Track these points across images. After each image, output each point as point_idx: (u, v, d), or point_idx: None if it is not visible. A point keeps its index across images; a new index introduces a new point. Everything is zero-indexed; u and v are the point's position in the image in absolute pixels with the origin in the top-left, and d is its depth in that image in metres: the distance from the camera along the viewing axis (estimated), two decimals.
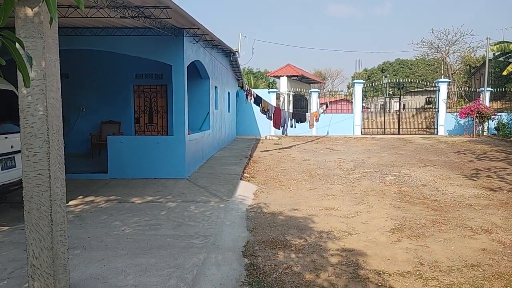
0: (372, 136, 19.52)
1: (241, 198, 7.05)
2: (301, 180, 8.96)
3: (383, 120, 21.06)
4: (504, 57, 26.84)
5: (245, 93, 12.75)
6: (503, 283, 3.81)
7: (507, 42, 24.97)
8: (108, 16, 6.44)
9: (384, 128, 20.76)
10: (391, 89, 25.05)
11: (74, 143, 11.13)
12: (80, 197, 6.90)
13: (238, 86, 15.69)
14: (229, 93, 15.81)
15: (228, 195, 7.09)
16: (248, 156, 12.15)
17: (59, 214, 3.22)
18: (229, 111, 16.06)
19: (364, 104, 24.09)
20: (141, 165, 8.46)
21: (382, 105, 24.18)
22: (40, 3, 2.87)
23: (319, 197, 7.38)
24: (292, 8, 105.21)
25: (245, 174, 9.38)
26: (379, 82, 27.22)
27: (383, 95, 26.13)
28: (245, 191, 7.66)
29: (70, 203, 6.39)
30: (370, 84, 27.86)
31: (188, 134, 8.82)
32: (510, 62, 25.42)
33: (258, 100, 13.03)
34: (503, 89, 22.52)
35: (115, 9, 5.86)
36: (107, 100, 11.70)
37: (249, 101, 12.95)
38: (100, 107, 11.67)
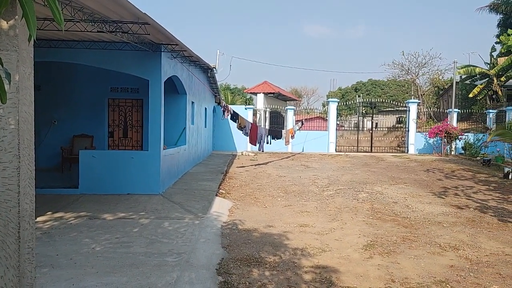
0: (346, 153, 19.91)
1: (216, 215, 7.00)
2: (276, 197, 9.00)
3: (357, 138, 21.56)
4: (470, 80, 28.27)
5: (222, 109, 12.80)
6: None
7: (473, 66, 26.37)
8: (85, 30, 6.39)
9: (357, 146, 21.23)
10: (364, 108, 25.77)
11: (44, 157, 10.77)
12: (49, 213, 6.66)
13: (215, 102, 15.74)
14: (206, 108, 15.82)
15: (203, 212, 7.03)
16: (224, 172, 12.11)
17: (27, 231, 3.10)
18: (205, 126, 16.04)
19: (338, 122, 24.61)
20: (114, 180, 8.28)
21: (356, 123, 24.79)
22: (16, 16, 2.84)
23: (294, 214, 7.43)
24: (269, 26, 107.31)
25: (220, 190, 9.34)
26: (352, 101, 27.96)
27: (356, 114, 26.82)
28: (221, 208, 7.61)
29: (38, 219, 6.16)
30: (344, 103, 28.60)
31: (164, 149, 8.74)
32: (475, 85, 26.79)
33: (235, 116, 13.10)
34: (470, 110, 23.62)
35: (92, 24, 5.83)
36: (80, 113, 11.45)
37: (226, 117, 13.00)
38: (73, 120, 11.41)
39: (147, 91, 8.34)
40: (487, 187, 10.38)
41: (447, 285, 4.25)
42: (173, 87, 10.79)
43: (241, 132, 13.58)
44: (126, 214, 6.74)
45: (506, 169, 11.98)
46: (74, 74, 11.31)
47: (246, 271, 4.52)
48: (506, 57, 23.01)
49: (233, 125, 14.75)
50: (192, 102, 12.34)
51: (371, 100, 24.05)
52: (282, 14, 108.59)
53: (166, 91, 9.09)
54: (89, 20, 5.74)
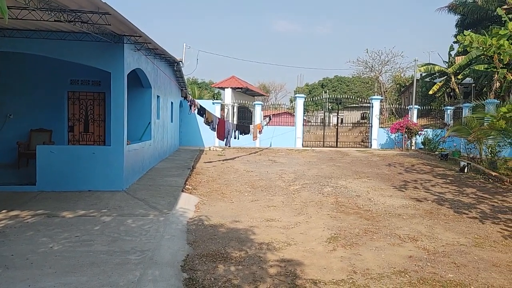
0: (313, 148, 20.23)
1: (182, 211, 6.91)
2: (243, 192, 9.00)
3: (323, 134, 21.95)
4: (430, 77, 29.51)
5: (189, 103, 12.62)
6: (427, 287, 4.12)
7: (433, 64, 27.53)
8: (41, 19, 6.05)
9: (323, 141, 21.62)
10: (330, 104, 26.29)
11: None
12: (4, 211, 6.32)
13: (182, 96, 15.45)
14: (172, 103, 15.52)
15: (169, 208, 6.91)
16: (191, 168, 11.97)
17: None
18: (172, 121, 15.74)
19: (305, 118, 24.98)
20: (74, 176, 7.97)
21: (322, 119, 25.25)
22: None
23: (260, 209, 7.47)
24: (237, 21, 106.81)
25: (187, 186, 9.22)
26: (319, 97, 28.45)
27: (323, 110, 27.31)
28: (187, 204, 7.52)
29: None
30: (311, 99, 29.07)
31: (127, 144, 8.49)
32: (435, 83, 27.99)
33: (201, 111, 12.95)
34: (429, 107, 24.65)
35: (49, 12, 5.53)
36: (37, 106, 10.91)
37: (192, 112, 12.82)
38: (30, 114, 10.85)
39: (110, 84, 8.06)
40: (444, 180, 10.89)
41: (406, 275, 4.42)
42: (137, 81, 10.50)
43: (209, 127, 13.45)
44: (87, 211, 6.51)
45: (462, 163, 12.61)
46: (31, 65, 10.74)
47: (211, 267, 4.49)
48: (463, 56, 24.20)
49: (201, 120, 14.57)
50: (158, 96, 12.07)
51: (336, 96, 24.52)
52: (250, 9, 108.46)
53: (129, 84, 8.83)
54: (45, 9, 5.45)
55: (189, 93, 19.28)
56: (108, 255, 4.62)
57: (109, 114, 9.94)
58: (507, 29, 7.95)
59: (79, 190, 7.88)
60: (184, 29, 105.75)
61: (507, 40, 8.12)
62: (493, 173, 11.19)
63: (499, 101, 18.27)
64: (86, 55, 7.98)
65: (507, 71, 20.22)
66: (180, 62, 13.54)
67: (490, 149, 12.87)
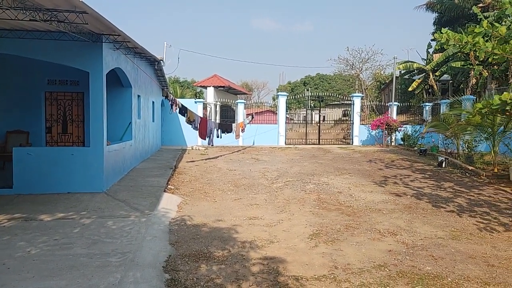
0: (295, 146, 20.36)
1: (164, 211, 6.86)
2: (226, 191, 9.00)
3: (305, 131, 22.12)
4: (408, 75, 30.07)
5: (170, 103, 12.52)
6: (406, 281, 4.22)
7: (411, 61, 28.06)
8: (16, 18, 5.89)
9: (306, 139, 21.79)
10: (312, 101, 26.48)
11: None
12: None
13: (163, 96, 15.30)
14: (153, 102, 15.36)
15: (150, 209, 6.85)
16: (173, 167, 11.88)
17: None
18: (153, 121, 15.58)
19: (288, 116, 25.09)
20: (53, 178, 7.80)
21: (305, 116, 25.42)
22: None
23: (243, 207, 7.49)
24: (218, 19, 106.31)
25: (169, 186, 9.16)
26: (301, 95, 28.59)
27: (305, 107, 27.49)
28: (169, 204, 7.47)
29: None
30: (293, 97, 29.17)
31: (107, 145, 8.37)
32: (414, 80, 28.54)
33: (183, 110, 12.86)
34: (408, 103, 25.14)
35: (24, 11, 5.40)
36: (13, 107, 10.61)
37: (174, 111, 12.72)
38: (6, 115, 10.54)
39: (88, 83, 7.92)
40: (423, 175, 11.14)
41: (386, 269, 4.52)
42: (117, 80, 10.34)
43: (191, 126, 13.38)
44: (66, 214, 6.39)
45: (440, 158, 12.92)
46: (6, 65, 10.44)
47: (194, 267, 4.49)
48: (441, 54, 24.75)
49: (183, 119, 14.46)
50: (138, 96, 11.92)
51: (318, 94, 24.72)
52: (231, 7, 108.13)
53: (109, 84, 8.71)
54: (20, 8, 5.31)
55: (171, 92, 19.11)
56: (88, 258, 4.56)
57: (88, 115, 9.77)
58: (482, 27, 8.19)
59: (58, 193, 7.72)
60: (165, 28, 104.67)
61: (482, 37, 8.36)
62: (470, 168, 11.51)
63: (475, 97, 18.77)
64: (64, 55, 7.81)
65: (482, 68, 20.78)
66: (161, 61, 13.41)
67: (466, 144, 13.22)
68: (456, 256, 4.95)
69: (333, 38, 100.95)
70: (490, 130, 11.62)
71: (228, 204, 7.76)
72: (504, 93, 6.86)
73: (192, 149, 18.54)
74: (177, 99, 13.39)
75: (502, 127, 11.52)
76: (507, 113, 8.13)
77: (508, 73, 19.01)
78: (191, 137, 19.41)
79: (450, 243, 5.43)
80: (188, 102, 18.69)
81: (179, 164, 13.03)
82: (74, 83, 11.03)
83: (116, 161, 9.22)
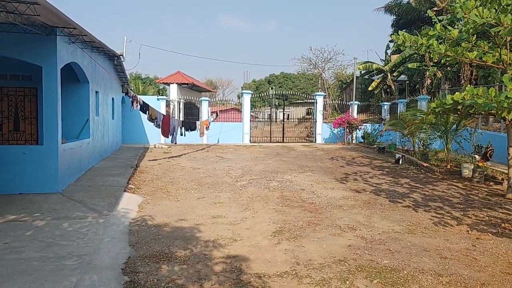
0: (260, 144, 20.46)
1: (124, 212, 6.64)
2: (189, 189, 8.87)
3: (270, 129, 22.27)
4: (368, 75, 31.06)
5: (131, 99, 12.15)
6: (365, 274, 4.34)
7: (371, 62, 28.99)
8: None
9: (270, 137, 21.95)
10: (276, 100, 26.72)
11: None
12: None
13: (123, 92, 14.81)
14: (113, 99, 14.84)
15: (109, 209, 6.61)
16: (134, 166, 11.55)
17: None
18: (113, 118, 15.06)
19: (252, 114, 25.16)
20: (3, 179, 7.34)
21: (269, 115, 25.60)
22: None
23: (207, 206, 7.41)
24: (183, 16, 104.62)
25: (129, 186, 8.89)
26: (266, 93, 28.75)
27: (270, 106, 27.70)
28: (129, 204, 7.25)
29: None
30: (258, 95, 29.26)
31: (62, 143, 7.99)
32: (373, 80, 29.50)
33: (145, 107, 12.53)
34: (368, 102, 25.98)
35: None
36: None
37: (135, 108, 12.36)
38: None
39: (42, 78, 7.51)
40: (381, 172, 11.55)
41: (345, 263, 4.63)
42: (73, 75, 9.89)
43: (153, 124, 13.07)
44: (18, 216, 6.03)
45: (397, 156, 13.46)
46: None
47: (154, 268, 4.38)
48: (398, 55, 25.76)
49: (145, 117, 14.08)
50: (96, 92, 11.47)
51: (282, 93, 24.97)
52: (196, 4, 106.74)
53: (64, 79, 8.31)
54: None
55: (131, 88, 18.56)
56: (41, 262, 4.33)
57: (41, 111, 9.26)
58: (436, 30, 8.60)
59: (9, 194, 7.28)
60: (126, 22, 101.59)
61: (436, 40, 8.78)
62: (425, 164, 12.07)
63: (430, 97, 19.71)
64: (14, 48, 7.35)
65: (437, 69, 21.85)
66: (121, 56, 12.98)
67: (422, 141, 13.86)
68: (411, 249, 5.16)
69: (297, 37, 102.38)
70: (444, 128, 12.24)
71: (191, 203, 7.65)
72: (456, 93, 7.24)
73: (154, 147, 18.13)
74: (138, 96, 13.01)
75: (455, 126, 12.17)
76: (459, 112, 8.60)
77: (460, 74, 20.10)
78: (153, 135, 18.97)
79: (406, 237, 5.65)
80: (150, 99, 18.22)
81: (141, 163, 12.69)
82: (27, 78, 10.39)
83: (73, 160, 8.83)
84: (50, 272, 4.08)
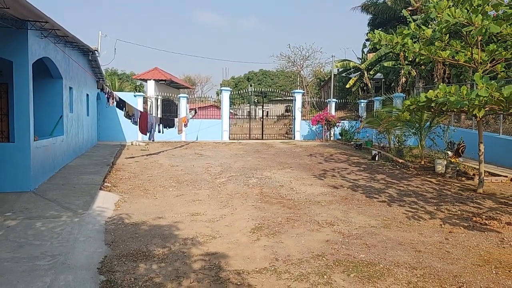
0: (239, 141, 20.42)
1: (99, 210, 6.50)
2: (168, 187, 8.77)
3: (249, 126, 22.26)
4: (346, 73, 31.51)
5: (106, 95, 11.88)
6: (342, 269, 4.41)
7: (348, 60, 29.41)
8: None
9: (249, 134, 21.94)
10: (256, 97, 26.70)
11: None
12: None
13: (98, 88, 14.45)
14: (88, 95, 14.47)
15: (84, 208, 6.45)
16: (111, 164, 11.32)
17: None
18: (88, 114, 14.70)
19: (231, 111, 25.05)
20: None
21: (248, 112, 25.59)
22: None
23: (185, 203, 7.35)
24: (161, 11, 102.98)
25: (105, 184, 8.71)
26: (245, 90, 28.70)
27: (249, 103, 27.68)
28: (105, 202, 7.10)
29: None
30: (237, 92, 29.20)
31: (35, 140, 7.74)
32: (350, 77, 29.94)
33: (121, 104, 12.28)
34: (345, 100, 26.35)
35: None
36: None
37: (110, 105, 12.09)
38: None
39: (12, 74, 7.23)
40: (358, 168, 11.76)
41: (323, 258, 4.69)
42: (46, 71, 9.59)
43: (130, 120, 12.82)
44: None
45: (374, 152, 13.73)
46: None
47: (131, 267, 4.31)
48: (374, 54, 26.23)
49: (121, 113, 13.81)
50: (70, 88, 11.16)
51: (262, 90, 24.99)
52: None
53: (37, 74, 8.04)
54: None
55: (107, 84, 18.12)
56: (13, 263, 4.19)
57: (12, 108, 8.93)
58: (410, 29, 8.80)
59: None
60: (102, 18, 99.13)
61: (411, 39, 8.99)
62: (400, 160, 12.36)
63: (405, 95, 20.17)
64: None
65: (411, 67, 22.37)
66: (96, 51, 12.66)
67: (397, 138, 14.17)
68: (387, 243, 5.28)
69: (276, 35, 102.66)
70: (418, 125, 12.56)
71: (169, 200, 7.57)
72: (430, 91, 7.44)
73: (132, 144, 17.82)
74: (115, 92, 12.73)
75: (428, 123, 12.51)
76: (432, 110, 8.84)
77: (434, 72, 20.66)
78: (131, 132, 18.64)
79: (382, 231, 5.78)
80: (127, 96, 17.87)
81: (117, 161, 12.45)
82: None
83: (46, 157, 8.57)
84: (22, 273, 3.95)
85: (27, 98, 7.30)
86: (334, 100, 23.47)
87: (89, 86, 14.72)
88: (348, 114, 25.15)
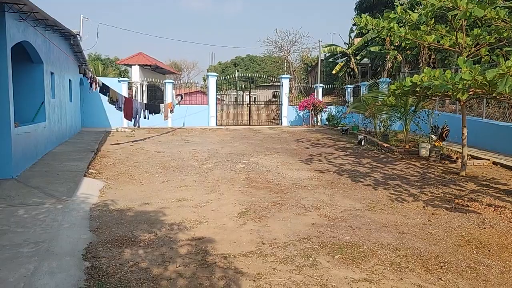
0: (226, 127, 20.35)
1: (84, 197, 6.42)
2: (154, 173, 8.71)
3: (236, 112, 22.16)
4: (333, 58, 31.45)
5: (89, 81, 11.63)
6: (327, 251, 4.47)
7: (335, 45, 29.32)
8: None
9: (237, 120, 21.86)
10: (243, 82, 26.50)
11: None
12: None
13: (80, 73, 14.09)
14: (70, 80, 14.14)
15: (68, 195, 6.37)
16: (95, 150, 11.15)
17: None
18: (71, 100, 14.39)
19: (218, 97, 24.86)
20: None
21: (235, 97, 25.42)
22: None
23: (172, 189, 7.31)
24: None
25: (90, 170, 8.59)
26: (232, 76, 28.44)
27: (236, 88, 27.48)
28: (90, 189, 7.01)
29: None
30: (224, 77, 28.90)
31: (16, 126, 7.55)
32: (337, 63, 29.93)
33: (105, 89, 12.05)
34: (332, 85, 26.38)
35: None
36: None
37: (93, 90, 11.85)
38: None
39: None
40: (344, 152, 11.86)
41: (309, 241, 4.75)
42: (26, 55, 9.30)
43: (114, 106, 12.61)
44: None
45: (360, 137, 13.84)
46: None
47: (117, 252, 4.28)
48: (360, 38, 26.21)
49: (106, 99, 13.55)
50: (52, 73, 10.87)
51: (249, 75, 24.81)
52: None
53: (16, 59, 7.79)
54: None
55: (90, 69, 17.71)
56: None
57: None
58: (396, 13, 8.79)
59: None
60: (84, 2, 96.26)
61: (397, 23, 8.98)
62: (385, 145, 12.50)
63: (391, 80, 20.29)
64: None
65: (397, 52, 22.46)
66: (77, 35, 12.32)
67: (383, 123, 14.31)
68: (371, 225, 5.37)
69: (263, 19, 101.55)
70: (403, 110, 12.67)
71: (155, 186, 7.52)
72: (415, 75, 7.48)
73: (117, 131, 17.57)
74: (97, 77, 12.46)
75: (413, 108, 12.64)
76: (417, 94, 8.92)
77: (419, 57, 20.79)
78: (115, 118, 18.36)
79: (367, 214, 5.87)
80: (111, 81, 17.51)
81: (102, 147, 12.28)
82: None
83: (28, 144, 8.38)
84: (5, 260, 3.89)
85: (6, 84, 7.08)
86: (321, 85, 23.47)
87: (72, 71, 14.37)
88: (335, 100, 25.21)
